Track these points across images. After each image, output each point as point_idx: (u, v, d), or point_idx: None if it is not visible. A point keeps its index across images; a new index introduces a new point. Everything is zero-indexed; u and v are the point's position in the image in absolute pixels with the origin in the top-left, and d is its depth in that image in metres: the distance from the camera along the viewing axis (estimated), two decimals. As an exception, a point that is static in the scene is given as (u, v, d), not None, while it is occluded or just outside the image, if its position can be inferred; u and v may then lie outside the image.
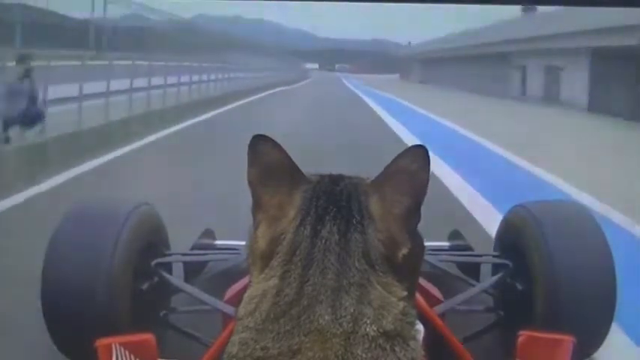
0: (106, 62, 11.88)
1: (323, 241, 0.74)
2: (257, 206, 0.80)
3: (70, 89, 9.52)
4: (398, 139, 11.44)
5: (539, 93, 27.44)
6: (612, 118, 18.31)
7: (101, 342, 1.87)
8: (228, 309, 2.19)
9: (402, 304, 0.74)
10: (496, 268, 2.76)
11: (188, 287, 2.51)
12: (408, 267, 0.78)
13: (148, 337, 1.96)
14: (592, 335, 2.34)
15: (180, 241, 3.05)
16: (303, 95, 29.54)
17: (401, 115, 17.34)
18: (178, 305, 2.63)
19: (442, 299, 2.44)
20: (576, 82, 23.50)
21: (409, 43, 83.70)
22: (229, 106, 18.14)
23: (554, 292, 2.31)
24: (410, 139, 10.76)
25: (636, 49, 17.38)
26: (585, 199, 5.88)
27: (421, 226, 0.79)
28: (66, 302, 2.21)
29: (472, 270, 2.93)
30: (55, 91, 8.73)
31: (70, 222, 2.38)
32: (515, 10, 33.42)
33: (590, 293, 2.31)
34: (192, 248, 3.14)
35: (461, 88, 34.75)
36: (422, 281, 2.30)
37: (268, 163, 0.78)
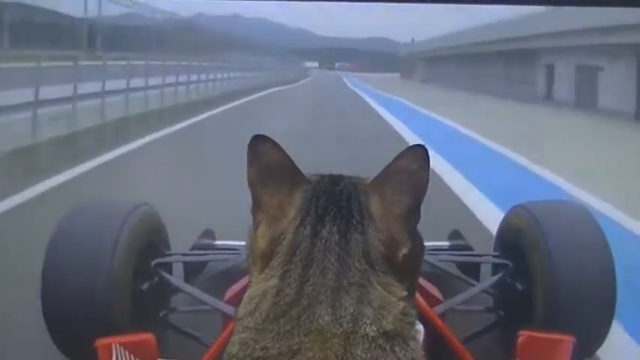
0: (100, 62, 11.69)
1: (323, 241, 0.75)
2: (257, 206, 0.80)
3: (64, 90, 9.26)
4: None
5: (569, 97, 22.75)
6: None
7: (101, 342, 1.88)
8: (228, 309, 2.19)
9: (402, 304, 0.74)
10: (496, 268, 2.76)
11: (188, 287, 2.51)
12: (408, 267, 0.78)
13: (148, 337, 1.96)
14: (592, 335, 2.34)
15: (181, 241, 3.05)
16: (302, 96, 27.37)
17: (411, 121, 14.59)
18: (178, 305, 2.63)
19: (442, 299, 2.44)
20: (619, 86, 19.06)
21: (412, 40, 77.89)
22: (212, 112, 15.40)
23: (554, 292, 2.31)
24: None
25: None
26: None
27: (421, 226, 0.79)
28: (66, 302, 2.21)
29: (472, 270, 2.93)
30: (47, 92, 8.47)
31: (69, 222, 2.38)
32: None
33: (590, 293, 2.31)
34: (192, 248, 3.14)
35: (471, 89, 30.85)
36: (422, 281, 2.30)
37: (268, 163, 0.78)
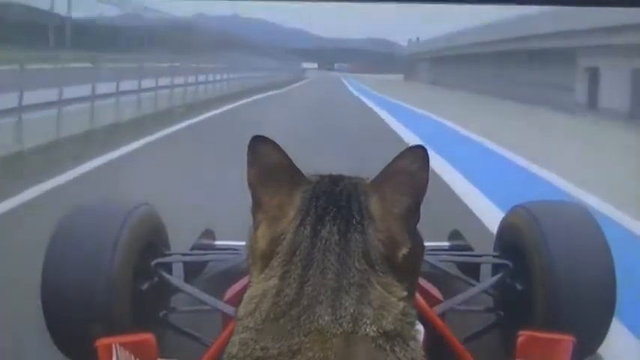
0: (93, 64, 11.54)
1: (323, 242, 0.75)
2: (257, 207, 0.80)
3: (53, 93, 9.07)
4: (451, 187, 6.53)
5: (620, 106, 18.11)
6: None
7: (101, 342, 1.88)
8: (228, 309, 2.19)
9: (402, 304, 0.74)
10: (496, 268, 2.76)
11: (188, 287, 2.51)
12: (408, 267, 0.78)
13: (148, 337, 1.96)
14: (592, 335, 2.34)
15: (181, 241, 3.05)
16: (298, 99, 24.33)
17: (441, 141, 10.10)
18: (178, 305, 2.63)
19: (442, 299, 2.44)
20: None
21: (417, 39, 68.71)
22: (190, 122, 12.76)
23: (553, 292, 2.31)
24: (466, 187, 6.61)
25: None
26: None
27: (421, 226, 0.79)
28: (66, 302, 2.21)
29: (472, 270, 2.93)
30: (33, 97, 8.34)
31: (70, 222, 2.38)
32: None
33: (590, 293, 2.31)
34: (192, 248, 3.14)
35: (492, 93, 27.15)
36: (422, 281, 2.30)
37: (268, 163, 0.79)
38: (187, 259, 2.91)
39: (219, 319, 2.31)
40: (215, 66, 21.86)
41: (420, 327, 0.78)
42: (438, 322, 2.10)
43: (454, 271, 2.90)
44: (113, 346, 1.87)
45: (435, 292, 2.47)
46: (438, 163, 7.55)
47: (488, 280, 2.74)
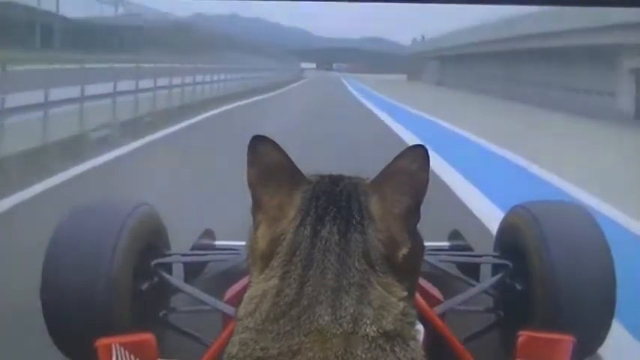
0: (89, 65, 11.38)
1: (323, 242, 0.75)
2: (257, 207, 0.80)
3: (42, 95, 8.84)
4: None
5: None
6: None
7: (101, 342, 1.88)
8: (228, 309, 2.19)
9: (402, 304, 0.74)
10: (496, 268, 2.76)
11: (188, 287, 2.51)
12: (408, 267, 0.78)
13: (148, 337, 1.96)
14: (592, 335, 2.34)
15: (181, 241, 3.05)
16: (294, 103, 22.08)
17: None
18: (178, 305, 2.64)
19: (442, 299, 2.44)
20: None
21: (422, 37, 63.79)
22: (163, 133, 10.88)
23: (553, 293, 2.31)
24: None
25: None
26: None
27: (421, 226, 0.79)
28: (66, 302, 2.21)
29: (472, 270, 2.93)
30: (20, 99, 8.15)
31: (70, 222, 2.38)
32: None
33: (590, 293, 2.31)
34: (192, 248, 3.14)
35: (510, 98, 24.15)
36: (422, 281, 2.30)
37: (268, 163, 0.78)
38: (187, 259, 2.91)
39: (219, 319, 2.31)
40: (204, 66, 20.26)
41: (420, 327, 0.78)
42: (438, 322, 2.10)
43: (454, 271, 2.90)
44: (113, 346, 1.87)
45: (435, 292, 2.47)
46: (466, 193, 6.29)
47: (488, 280, 2.74)
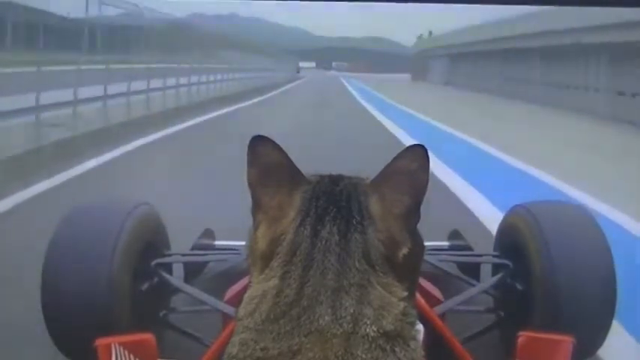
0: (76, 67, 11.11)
1: (323, 242, 0.75)
2: (257, 207, 0.80)
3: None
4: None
5: None
6: None
7: (101, 342, 1.88)
8: (228, 309, 2.19)
9: (402, 304, 0.74)
10: (496, 268, 2.76)
11: (188, 287, 2.51)
12: (408, 267, 0.78)
13: (148, 337, 1.96)
14: (592, 336, 2.34)
15: (181, 241, 3.04)
16: (287, 107, 18.94)
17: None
18: (178, 305, 2.63)
19: (442, 299, 2.44)
20: None
21: (429, 33, 58.38)
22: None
23: (554, 293, 2.31)
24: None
25: None
26: None
27: (422, 226, 0.78)
28: (66, 302, 2.21)
29: (472, 270, 2.93)
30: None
31: (69, 222, 2.38)
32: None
33: (590, 293, 2.31)
34: (193, 248, 3.14)
35: (538, 101, 20.87)
36: (422, 281, 2.30)
37: (268, 163, 0.78)
38: (187, 259, 2.91)
39: (219, 319, 2.31)
40: (185, 66, 18.30)
41: (420, 327, 0.78)
42: (438, 322, 2.10)
43: (454, 271, 2.90)
44: (113, 345, 1.87)
45: (435, 292, 2.47)
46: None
47: (488, 280, 2.73)
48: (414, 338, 0.74)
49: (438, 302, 2.39)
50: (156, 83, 14.07)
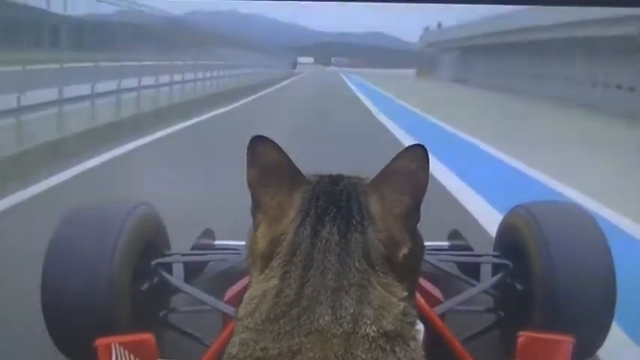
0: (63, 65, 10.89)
1: (323, 242, 0.75)
2: (257, 207, 0.80)
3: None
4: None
5: None
6: None
7: (101, 342, 1.88)
8: (228, 309, 2.19)
9: (402, 304, 0.74)
10: (496, 268, 2.76)
11: (188, 287, 2.52)
12: (408, 267, 0.78)
13: (148, 336, 1.96)
14: (592, 336, 2.34)
15: (181, 241, 3.05)
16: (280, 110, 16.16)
17: None
18: (178, 305, 2.64)
19: (442, 299, 2.44)
20: None
21: (438, 24, 54.22)
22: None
23: (554, 293, 2.31)
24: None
25: None
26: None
27: (422, 226, 0.78)
28: (66, 302, 2.21)
29: (472, 270, 2.93)
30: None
31: (70, 222, 2.38)
32: None
33: (590, 294, 2.31)
34: (193, 248, 3.14)
35: (573, 100, 18.13)
36: (422, 281, 2.30)
37: (268, 164, 0.78)
38: (187, 259, 2.91)
39: (219, 319, 2.31)
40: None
41: (420, 327, 0.78)
42: (438, 322, 2.10)
43: (454, 271, 2.90)
44: (113, 345, 1.87)
45: (435, 292, 2.47)
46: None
47: (488, 280, 2.73)
48: (414, 338, 0.74)
49: (438, 302, 2.39)
50: (144, 82, 13.68)
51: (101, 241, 2.27)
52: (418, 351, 0.73)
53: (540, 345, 1.97)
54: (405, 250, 0.77)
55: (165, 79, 16.00)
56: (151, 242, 2.50)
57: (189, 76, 18.33)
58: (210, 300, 2.37)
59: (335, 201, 0.77)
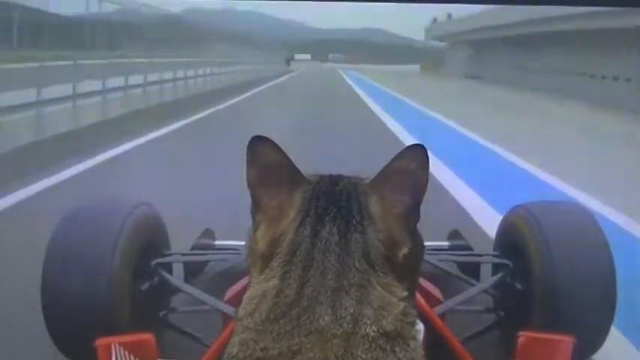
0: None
1: (323, 242, 0.75)
2: (256, 207, 0.80)
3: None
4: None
5: None
6: None
7: (100, 342, 1.88)
8: (228, 309, 2.19)
9: (402, 304, 0.74)
10: (496, 268, 2.76)
11: (188, 287, 2.52)
12: (408, 267, 0.78)
13: (148, 337, 1.96)
14: (592, 336, 2.34)
15: (181, 241, 3.04)
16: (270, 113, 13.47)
17: None
18: (178, 305, 2.64)
19: (442, 299, 2.44)
20: None
21: (449, 15, 49.56)
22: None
23: (554, 293, 2.31)
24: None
25: None
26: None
27: (421, 226, 0.79)
28: (66, 302, 2.21)
29: (472, 270, 2.93)
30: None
31: (69, 221, 2.38)
32: None
33: (590, 293, 2.31)
34: (193, 248, 3.14)
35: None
36: (422, 281, 2.30)
37: (267, 164, 0.78)
38: (187, 259, 2.91)
39: (219, 319, 2.31)
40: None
41: (420, 327, 0.78)
42: (438, 322, 2.10)
43: (454, 271, 2.90)
44: (112, 346, 1.87)
45: (435, 292, 2.47)
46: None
47: (488, 280, 2.73)
48: (414, 338, 0.74)
49: (438, 302, 2.39)
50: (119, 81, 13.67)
51: (101, 241, 2.27)
52: (418, 351, 0.73)
53: (540, 345, 1.97)
54: (405, 250, 0.77)
55: (154, 77, 15.89)
56: (151, 242, 2.50)
57: (168, 75, 17.56)
58: (210, 300, 2.37)
59: (335, 201, 0.77)
